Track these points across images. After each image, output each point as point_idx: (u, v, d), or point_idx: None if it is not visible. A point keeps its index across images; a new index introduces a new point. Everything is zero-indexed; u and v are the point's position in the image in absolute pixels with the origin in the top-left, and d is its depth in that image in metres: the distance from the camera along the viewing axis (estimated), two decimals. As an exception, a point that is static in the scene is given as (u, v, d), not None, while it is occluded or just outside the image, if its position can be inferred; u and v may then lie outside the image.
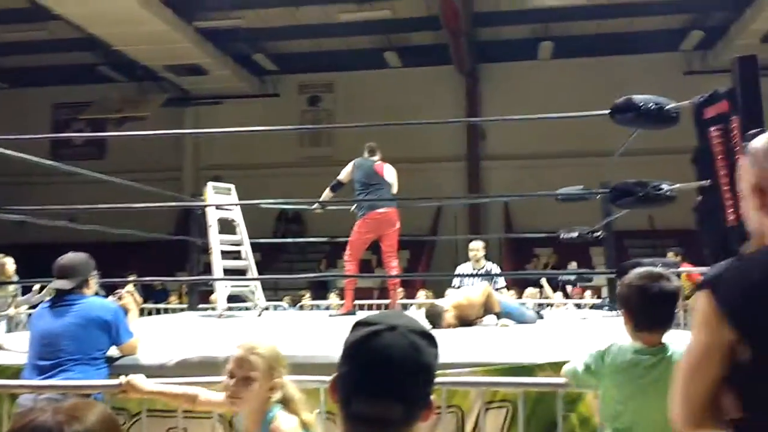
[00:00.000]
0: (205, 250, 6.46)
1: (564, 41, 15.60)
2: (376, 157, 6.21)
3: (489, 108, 16.44)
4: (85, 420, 1.12)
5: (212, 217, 6.31)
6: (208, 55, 15.01)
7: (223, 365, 2.25)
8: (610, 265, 6.06)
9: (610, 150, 5.83)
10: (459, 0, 12.36)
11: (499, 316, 4.94)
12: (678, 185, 3.76)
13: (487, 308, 5.00)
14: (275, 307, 9.11)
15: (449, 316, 4.71)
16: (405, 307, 8.19)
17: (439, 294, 7.97)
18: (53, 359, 3.00)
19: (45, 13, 12.64)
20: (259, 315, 6.28)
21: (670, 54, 15.93)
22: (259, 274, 7.30)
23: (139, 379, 2.67)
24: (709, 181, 3.18)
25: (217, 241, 6.25)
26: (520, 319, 5.09)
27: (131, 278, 7.88)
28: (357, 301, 6.48)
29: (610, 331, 2.80)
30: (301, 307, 9.80)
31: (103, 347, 3.13)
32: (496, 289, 5.91)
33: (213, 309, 6.59)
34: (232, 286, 6.28)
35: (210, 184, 6.55)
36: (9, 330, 6.87)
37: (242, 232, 6.61)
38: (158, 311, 8.85)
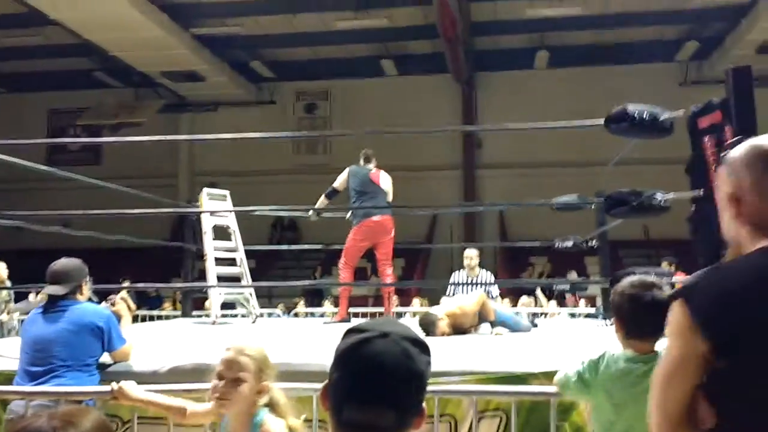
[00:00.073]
0: (200, 256, 6.45)
1: (560, 51, 15.68)
2: (371, 165, 6.21)
3: (485, 116, 16.48)
4: (80, 425, 1.13)
5: (207, 223, 6.30)
6: (204, 62, 15.02)
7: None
8: (605, 274, 6.07)
9: (606, 159, 5.85)
10: (456, 9, 12.41)
11: (493, 324, 4.94)
12: (672, 195, 3.77)
13: (482, 316, 4.99)
14: (269, 315, 9.09)
15: (443, 324, 4.71)
16: (400, 315, 8.18)
17: (434, 302, 7.96)
18: (45, 365, 2.99)
19: (41, 18, 12.65)
20: (254, 322, 6.27)
21: (665, 64, 16.02)
22: (254, 281, 7.29)
23: (129, 386, 2.66)
24: (702, 190, 3.19)
25: (211, 248, 6.24)
26: (514, 328, 5.09)
27: (125, 284, 7.85)
28: (351, 309, 6.47)
29: (604, 340, 2.80)
30: (296, 315, 9.78)
31: (96, 354, 3.11)
32: (491, 298, 5.91)
33: (207, 316, 6.57)
34: (227, 293, 6.26)
35: (205, 191, 6.54)
36: (1, 335, 6.83)
37: (237, 238, 6.60)
38: (152, 318, 8.81)
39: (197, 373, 2.96)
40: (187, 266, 7.04)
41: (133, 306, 3.96)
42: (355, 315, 6.71)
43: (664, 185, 4.17)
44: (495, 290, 6.84)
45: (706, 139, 3.16)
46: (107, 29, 12.76)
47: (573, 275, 11.44)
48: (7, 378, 3.17)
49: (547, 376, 2.77)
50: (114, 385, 2.67)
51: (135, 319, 6.33)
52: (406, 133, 14.56)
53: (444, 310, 4.95)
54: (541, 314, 8.56)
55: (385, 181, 6.18)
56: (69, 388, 2.86)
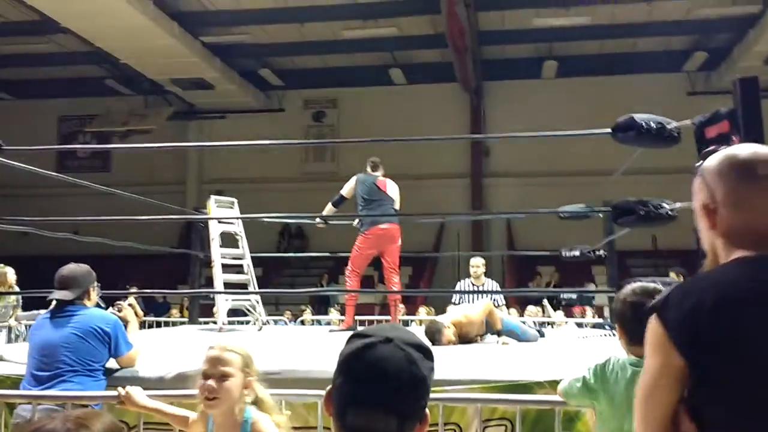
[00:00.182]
0: (207, 263, 6.46)
1: (568, 60, 15.70)
2: (378, 173, 6.21)
3: (493, 125, 16.50)
4: (93, 428, 1.15)
5: (214, 230, 6.31)
6: (214, 70, 15.11)
7: None
8: (613, 284, 6.04)
9: (613, 169, 5.84)
10: (465, 18, 12.44)
11: (500, 333, 4.93)
12: (678, 204, 3.76)
13: (489, 325, 4.98)
14: (276, 322, 9.10)
15: (449, 333, 4.70)
16: (406, 323, 8.16)
17: (441, 311, 7.95)
18: (52, 370, 3.00)
19: (53, 26, 12.77)
20: (260, 329, 6.27)
21: (673, 74, 16.01)
22: (261, 288, 7.30)
23: (136, 392, 2.67)
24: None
25: (218, 255, 6.25)
26: (521, 337, 5.07)
27: (132, 290, 7.87)
28: (358, 317, 6.46)
29: (611, 350, 2.79)
30: (302, 322, 9.78)
31: (102, 359, 3.13)
32: (496, 307, 5.90)
33: (214, 323, 6.57)
34: (233, 300, 6.27)
35: (213, 198, 6.56)
36: (9, 341, 6.86)
37: (244, 246, 6.61)
38: (159, 324, 8.84)
39: (203, 379, 2.97)
40: (194, 273, 7.05)
41: (140, 312, 3.98)
42: (362, 323, 6.70)
43: (671, 195, 4.16)
44: (500, 299, 6.83)
45: (713, 149, 3.16)
46: (118, 37, 12.86)
47: (591, 287, 11.38)
48: (14, 382, 3.19)
49: (553, 386, 2.76)
50: (121, 390, 2.69)
51: (142, 325, 6.35)
52: (414, 142, 14.58)
53: (450, 318, 4.94)
54: (548, 324, 8.53)
55: (393, 189, 6.18)
56: (75, 393, 2.87)
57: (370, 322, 7.36)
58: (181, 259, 7.89)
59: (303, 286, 13.96)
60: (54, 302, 3.26)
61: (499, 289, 7.09)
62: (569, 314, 9.88)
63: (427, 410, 1.10)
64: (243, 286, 6.54)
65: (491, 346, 4.71)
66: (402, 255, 6.23)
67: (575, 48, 15.35)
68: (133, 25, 12.16)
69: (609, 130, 3.60)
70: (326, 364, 2.99)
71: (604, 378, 2.16)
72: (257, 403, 2.24)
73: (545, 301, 9.77)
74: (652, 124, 3.42)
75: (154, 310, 11.06)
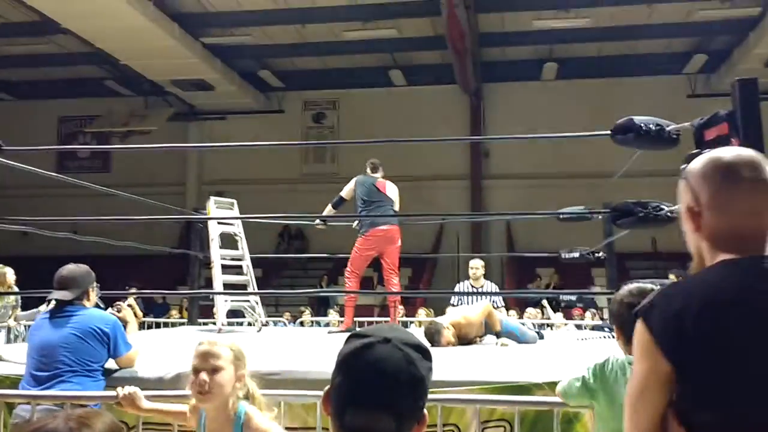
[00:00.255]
0: (207, 264, 6.47)
1: (568, 62, 15.71)
2: (378, 174, 6.22)
3: (493, 127, 16.50)
4: (95, 427, 1.17)
5: (214, 231, 6.31)
6: (214, 71, 15.11)
7: None
8: (612, 286, 6.04)
9: (613, 171, 5.85)
10: (465, 20, 12.45)
11: (499, 335, 4.93)
12: (678, 206, 3.76)
13: (488, 327, 4.98)
14: (275, 323, 9.10)
15: (448, 334, 4.70)
16: (405, 324, 8.16)
17: (440, 312, 7.95)
18: (51, 370, 3.00)
19: (53, 26, 12.77)
20: (259, 330, 6.27)
21: (673, 77, 16.03)
22: (261, 289, 7.29)
23: (135, 394, 2.68)
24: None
25: (218, 256, 6.25)
26: (521, 339, 5.07)
27: (132, 291, 7.87)
28: (357, 318, 6.46)
29: (609, 351, 2.80)
30: (302, 324, 9.77)
31: (101, 359, 3.13)
32: (495, 308, 5.90)
33: (213, 323, 6.57)
34: (233, 301, 6.27)
35: (212, 199, 6.56)
36: (8, 341, 6.86)
37: (244, 246, 6.62)
38: (158, 325, 8.83)
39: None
40: (193, 274, 7.05)
41: (140, 313, 3.98)
42: (361, 324, 6.70)
43: (670, 197, 4.16)
44: (499, 300, 6.83)
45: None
46: (118, 38, 12.87)
47: (596, 290, 11.34)
48: (13, 382, 3.19)
49: (552, 387, 2.76)
50: (120, 391, 2.69)
51: (141, 326, 6.34)
52: (414, 143, 14.59)
53: (449, 319, 4.94)
54: (548, 326, 8.52)
55: (392, 191, 6.19)
56: (75, 393, 2.87)
57: (370, 324, 7.34)
58: (181, 260, 7.89)
59: (302, 287, 13.95)
60: (53, 302, 3.26)
61: (497, 291, 7.08)
62: (569, 316, 9.88)
63: (425, 410, 1.10)
64: (242, 287, 6.54)
65: (490, 348, 4.72)
66: (401, 256, 6.23)
67: (575, 50, 15.35)
68: (133, 26, 12.17)
69: (608, 132, 3.60)
70: (325, 365, 2.97)
71: (604, 378, 2.16)
72: (249, 397, 2.24)
73: (545, 302, 9.76)
74: (651, 126, 3.42)
75: (154, 311, 11.05)
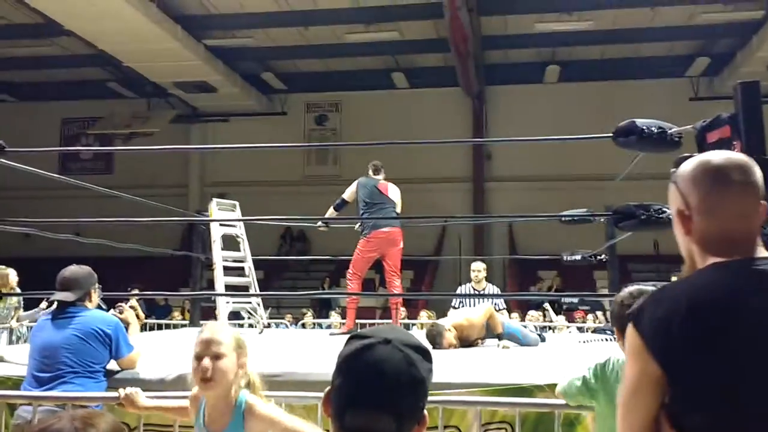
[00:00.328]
0: (209, 266, 6.47)
1: (570, 65, 15.71)
2: (380, 176, 6.23)
3: (495, 130, 16.51)
4: (99, 427, 1.19)
5: (216, 233, 6.32)
6: (217, 73, 15.13)
7: None
8: (614, 288, 6.04)
9: (615, 174, 5.84)
10: (467, 23, 12.45)
11: (501, 337, 4.93)
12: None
13: (490, 329, 4.98)
14: (277, 325, 9.10)
15: (450, 336, 4.70)
16: (407, 326, 8.16)
17: (442, 314, 7.95)
18: (53, 371, 3.01)
19: (56, 28, 12.80)
20: (261, 332, 6.27)
21: (676, 80, 16.02)
22: (262, 291, 7.30)
23: (137, 395, 2.68)
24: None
25: (220, 258, 6.26)
26: (522, 341, 5.07)
27: (134, 293, 7.88)
28: (359, 320, 6.47)
29: (611, 353, 2.80)
30: (303, 325, 9.77)
31: (103, 360, 3.13)
32: (497, 311, 5.90)
33: (215, 325, 6.56)
34: (234, 303, 6.27)
35: (214, 201, 6.58)
36: (10, 342, 6.87)
37: (246, 248, 6.62)
38: (160, 326, 8.83)
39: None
40: (195, 275, 7.06)
41: (142, 315, 3.99)
42: (363, 326, 6.70)
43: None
44: (501, 303, 6.83)
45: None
46: (121, 40, 12.88)
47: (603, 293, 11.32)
48: (15, 383, 3.20)
49: (553, 389, 2.76)
50: (122, 392, 2.69)
51: (143, 327, 6.34)
52: (416, 146, 14.58)
53: (451, 321, 4.94)
54: (550, 328, 8.52)
55: (394, 193, 6.19)
56: (77, 394, 2.88)
57: (371, 326, 7.35)
58: (183, 262, 7.90)
59: (304, 289, 13.93)
60: (55, 303, 3.27)
61: (499, 293, 7.07)
62: (571, 319, 9.87)
63: (425, 411, 1.11)
64: (244, 288, 6.54)
65: (492, 350, 4.72)
66: (403, 258, 6.24)
67: (578, 53, 15.36)
68: (136, 28, 12.19)
69: (610, 134, 3.60)
70: (326, 367, 2.97)
71: (604, 378, 2.16)
72: (250, 386, 2.23)
73: (547, 305, 9.76)
74: (653, 129, 3.41)
75: (156, 313, 11.05)
